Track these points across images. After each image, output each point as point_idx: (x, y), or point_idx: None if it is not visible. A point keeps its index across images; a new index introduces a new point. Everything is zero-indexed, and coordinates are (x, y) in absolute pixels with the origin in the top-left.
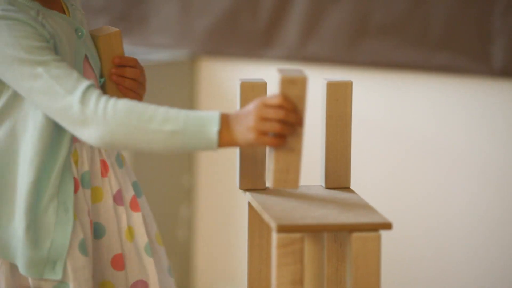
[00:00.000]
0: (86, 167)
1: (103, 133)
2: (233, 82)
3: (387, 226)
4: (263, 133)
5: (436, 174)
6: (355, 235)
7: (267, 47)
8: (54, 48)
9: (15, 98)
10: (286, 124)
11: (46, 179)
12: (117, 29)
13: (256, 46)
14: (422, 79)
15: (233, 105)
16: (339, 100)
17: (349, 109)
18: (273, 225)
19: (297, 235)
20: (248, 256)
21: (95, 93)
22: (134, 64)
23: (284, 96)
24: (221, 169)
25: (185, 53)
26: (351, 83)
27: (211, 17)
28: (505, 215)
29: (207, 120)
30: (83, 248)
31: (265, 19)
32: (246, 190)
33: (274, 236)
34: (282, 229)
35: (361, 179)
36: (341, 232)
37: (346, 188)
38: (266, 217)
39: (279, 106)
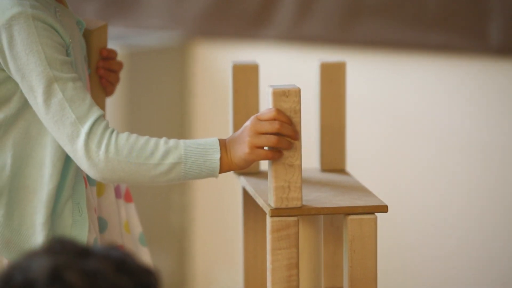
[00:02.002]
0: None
1: (104, 170)
2: (227, 63)
3: (383, 208)
4: (259, 147)
5: (433, 154)
6: (351, 218)
7: (261, 28)
8: (69, 51)
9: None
10: (282, 137)
11: (64, 182)
12: (104, 22)
13: (250, 26)
14: (418, 58)
15: (226, 86)
16: (333, 81)
17: (343, 90)
18: (267, 209)
19: (291, 219)
20: (244, 240)
21: (101, 127)
22: (116, 56)
23: (278, 108)
24: None
25: (178, 35)
26: (345, 64)
27: None
28: (502, 191)
29: (208, 148)
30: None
31: None
32: (240, 174)
33: (268, 221)
34: (276, 213)
35: (356, 161)
36: (337, 216)
37: (342, 171)
38: (260, 201)
39: (273, 119)
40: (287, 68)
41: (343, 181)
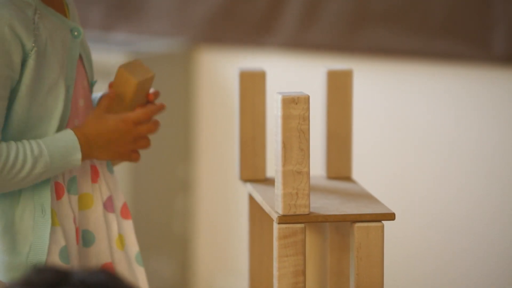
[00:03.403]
0: (73, 173)
1: None
2: (232, 70)
3: (390, 216)
4: (133, 151)
5: (438, 161)
6: (358, 225)
7: (266, 35)
8: (43, 51)
9: None
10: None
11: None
12: (152, 73)
13: (255, 33)
14: (423, 66)
15: (232, 93)
16: (339, 89)
17: (350, 98)
18: (274, 216)
19: (298, 226)
20: (249, 247)
21: None
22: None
23: (149, 110)
24: (217, 159)
25: (183, 41)
26: (352, 71)
27: (210, 4)
28: (509, 198)
29: (70, 150)
30: (64, 256)
31: (264, 6)
32: (246, 181)
33: (275, 227)
34: (283, 220)
35: (362, 169)
36: (343, 223)
37: (348, 178)
38: (267, 208)
39: (148, 119)
40: (292, 75)
41: (350, 188)
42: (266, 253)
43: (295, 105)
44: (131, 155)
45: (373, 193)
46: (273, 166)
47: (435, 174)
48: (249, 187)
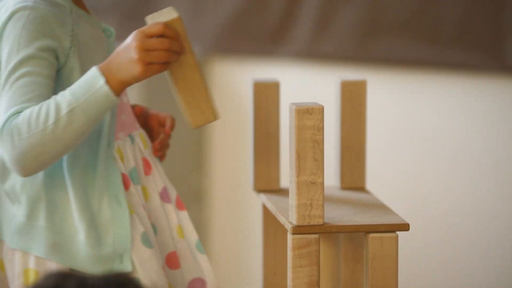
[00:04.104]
0: (132, 164)
1: (16, 158)
2: (245, 81)
3: (404, 227)
4: (149, 64)
5: (451, 172)
6: (372, 236)
7: (280, 45)
8: (82, 51)
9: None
10: (170, 52)
11: (92, 177)
12: (176, 15)
13: (268, 43)
14: (435, 76)
15: (246, 104)
16: (353, 99)
17: (363, 108)
18: (288, 226)
19: (312, 237)
20: (263, 258)
21: (10, 118)
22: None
23: (164, 23)
24: (231, 169)
25: (196, 51)
26: (366, 81)
27: (222, 15)
28: None
29: (90, 79)
30: (146, 241)
31: (277, 16)
32: (260, 191)
33: (290, 238)
34: (297, 230)
35: (376, 179)
36: (357, 233)
37: (362, 188)
38: (281, 218)
39: (161, 34)
40: (306, 85)
41: (364, 199)
42: (280, 264)
43: (310, 116)
44: (148, 70)
45: (387, 203)
46: (287, 176)
47: (449, 184)
48: (263, 198)
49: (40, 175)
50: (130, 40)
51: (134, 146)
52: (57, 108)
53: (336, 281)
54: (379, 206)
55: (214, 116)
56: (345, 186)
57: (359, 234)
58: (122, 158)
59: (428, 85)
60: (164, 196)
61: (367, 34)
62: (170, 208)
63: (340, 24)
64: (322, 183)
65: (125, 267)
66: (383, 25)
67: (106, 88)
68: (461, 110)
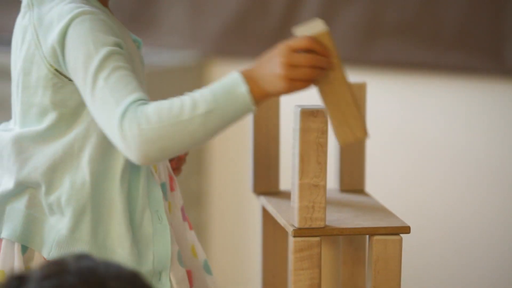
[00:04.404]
0: (163, 179)
1: (142, 144)
2: None
3: (405, 229)
4: (294, 80)
5: (450, 174)
6: (376, 238)
7: None
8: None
9: None
10: (317, 69)
11: (136, 191)
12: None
13: (268, 46)
14: (435, 79)
15: None
16: None
17: (363, 110)
18: (289, 229)
19: (314, 239)
20: (262, 260)
21: (134, 106)
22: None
23: (311, 37)
24: (230, 172)
25: (196, 54)
26: (365, 84)
27: (222, 17)
28: None
29: (232, 84)
30: (180, 259)
31: (277, 18)
32: (260, 193)
33: (291, 241)
34: (299, 233)
35: (375, 181)
36: (357, 236)
37: (361, 191)
38: (282, 221)
39: (308, 49)
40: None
41: (364, 201)
42: (279, 267)
43: (314, 118)
44: (291, 87)
45: (387, 206)
46: (287, 179)
47: (448, 186)
48: (263, 200)
49: (87, 187)
50: (276, 53)
51: (164, 161)
52: (194, 106)
53: (337, 284)
54: (380, 209)
55: (364, 134)
56: (344, 189)
57: (359, 237)
58: (156, 172)
59: (428, 87)
60: (183, 213)
61: (367, 36)
62: (186, 226)
63: (340, 27)
64: (325, 186)
65: (164, 285)
66: (383, 28)
67: (248, 97)
68: (461, 112)
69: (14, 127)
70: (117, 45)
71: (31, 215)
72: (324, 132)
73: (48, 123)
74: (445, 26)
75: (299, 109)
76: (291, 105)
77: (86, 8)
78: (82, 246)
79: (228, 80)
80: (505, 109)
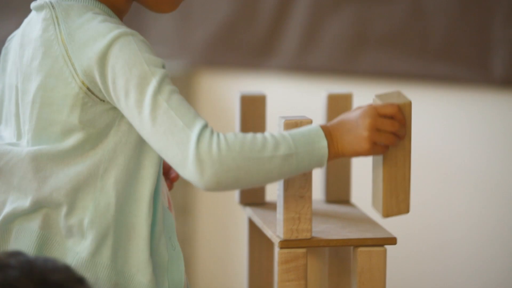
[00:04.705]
0: (166, 203)
1: (219, 171)
2: (232, 93)
3: (392, 241)
4: (376, 144)
5: (437, 184)
6: (361, 250)
7: (267, 58)
8: None
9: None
10: (397, 136)
11: (155, 217)
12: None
13: (256, 56)
14: (422, 89)
15: (232, 117)
16: (340, 112)
17: None
18: (276, 240)
19: (300, 251)
20: (248, 272)
21: (208, 130)
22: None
23: (397, 105)
24: None
25: (183, 64)
26: (352, 95)
27: (210, 28)
28: (505, 222)
29: (314, 136)
30: (188, 286)
31: (264, 29)
32: (246, 204)
33: (277, 252)
34: (285, 244)
35: (361, 192)
36: (343, 247)
37: (347, 202)
38: (268, 232)
39: (393, 117)
40: (293, 98)
41: (350, 212)
42: (265, 278)
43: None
44: (372, 150)
45: (373, 217)
46: (273, 190)
47: (434, 196)
48: (249, 211)
49: (112, 210)
50: (363, 114)
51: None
52: (276, 146)
53: None
54: (366, 220)
55: (407, 211)
56: (330, 199)
57: (345, 248)
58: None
59: (415, 98)
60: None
61: (354, 47)
62: None
63: (327, 37)
64: (310, 197)
65: None
66: (370, 38)
67: (325, 152)
68: (449, 122)
69: (19, 142)
70: (164, 65)
71: (45, 236)
72: None
73: (73, 143)
74: (432, 36)
75: (283, 120)
76: (277, 117)
77: (125, 28)
78: (101, 270)
79: (309, 131)
80: (492, 119)
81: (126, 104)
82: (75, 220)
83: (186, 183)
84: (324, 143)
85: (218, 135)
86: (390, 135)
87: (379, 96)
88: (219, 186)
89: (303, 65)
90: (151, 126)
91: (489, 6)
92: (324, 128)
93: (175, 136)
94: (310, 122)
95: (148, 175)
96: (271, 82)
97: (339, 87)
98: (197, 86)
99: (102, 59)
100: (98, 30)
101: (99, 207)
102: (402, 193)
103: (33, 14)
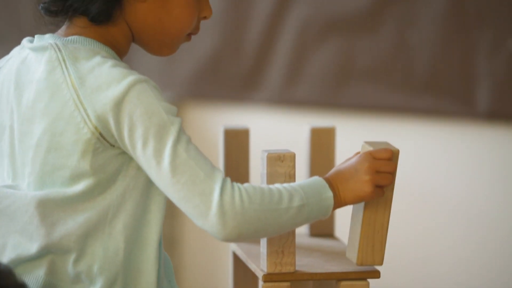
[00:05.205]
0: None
1: (241, 223)
2: (217, 126)
3: (375, 274)
4: (376, 186)
5: (421, 217)
6: (344, 283)
7: (251, 91)
8: None
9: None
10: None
11: (159, 260)
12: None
13: (240, 89)
14: (406, 122)
15: (216, 148)
16: (323, 146)
17: (332, 155)
18: (259, 274)
19: (284, 284)
20: None
21: (229, 181)
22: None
23: (390, 149)
24: None
25: (170, 97)
26: (335, 128)
27: (195, 61)
28: (489, 254)
29: (319, 187)
30: None
31: (249, 62)
32: None
33: (261, 286)
34: (269, 278)
35: (344, 226)
36: (326, 281)
37: (330, 235)
38: (252, 266)
39: (389, 159)
40: (277, 131)
41: (333, 246)
42: None
43: (281, 163)
44: (374, 192)
45: None
46: None
47: (417, 229)
48: (233, 245)
49: (121, 255)
50: (360, 161)
51: None
52: (291, 197)
53: None
54: None
55: (381, 263)
56: (314, 233)
57: (329, 282)
58: None
59: (399, 131)
60: None
61: (338, 80)
62: None
63: (311, 71)
64: (294, 231)
65: None
66: (354, 72)
67: (331, 202)
68: (432, 156)
69: (16, 184)
70: (176, 113)
71: (51, 283)
72: (292, 177)
73: (82, 188)
74: (416, 69)
75: (266, 153)
76: (260, 150)
77: (138, 74)
78: None
79: (314, 182)
80: (476, 152)
81: (143, 152)
82: (84, 267)
83: (173, 216)
84: (329, 193)
85: (238, 186)
86: (389, 175)
87: (369, 143)
88: (240, 237)
89: (287, 98)
90: (171, 177)
91: (473, 39)
92: (326, 180)
93: (197, 187)
94: (293, 155)
95: (155, 220)
96: (255, 115)
97: (323, 120)
98: (184, 119)
99: (118, 106)
100: (111, 75)
101: (108, 252)
102: (379, 243)
103: (26, 53)
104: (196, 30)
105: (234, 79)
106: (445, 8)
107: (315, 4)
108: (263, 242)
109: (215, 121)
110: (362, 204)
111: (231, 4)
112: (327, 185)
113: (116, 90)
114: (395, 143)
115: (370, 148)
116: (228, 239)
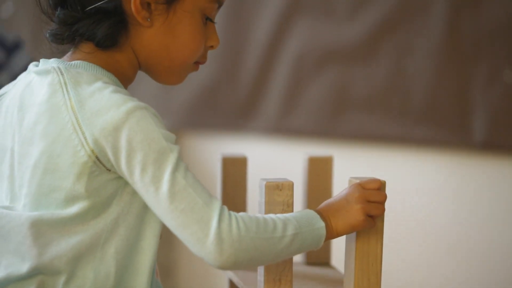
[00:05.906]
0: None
1: (238, 251)
2: (214, 155)
3: None
4: (368, 215)
5: (416, 247)
6: None
7: (248, 120)
8: None
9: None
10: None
11: (151, 283)
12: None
13: (238, 118)
14: (403, 152)
15: (214, 178)
16: (320, 175)
17: (330, 184)
18: None
19: None
20: None
21: (226, 209)
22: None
23: (382, 182)
24: None
25: (167, 125)
26: (332, 158)
27: (192, 90)
28: (485, 284)
29: (311, 218)
30: None
31: (246, 91)
32: None
33: None
34: None
35: (340, 254)
36: None
37: (327, 264)
38: None
39: (378, 189)
40: (274, 160)
41: (330, 275)
42: None
43: (280, 192)
44: (366, 221)
45: None
46: None
47: (413, 259)
48: (230, 272)
49: (111, 280)
50: (350, 192)
51: None
52: (285, 226)
53: None
54: None
55: None
56: (310, 262)
57: None
58: None
59: (396, 161)
60: None
61: (335, 110)
62: None
63: (308, 100)
64: (291, 260)
65: None
66: (351, 101)
67: (323, 232)
68: (428, 186)
69: (12, 205)
70: (175, 140)
71: None
72: (290, 205)
73: (77, 211)
74: (413, 99)
75: (264, 182)
76: (258, 178)
77: (138, 101)
78: None
79: (306, 214)
80: (472, 182)
81: (141, 178)
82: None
83: (169, 244)
84: (321, 224)
85: (235, 215)
86: (380, 205)
87: (355, 178)
88: (235, 265)
89: (284, 127)
90: (169, 203)
91: (469, 69)
92: (317, 212)
93: (195, 214)
94: (291, 184)
95: (149, 247)
96: (253, 144)
97: (320, 149)
98: (180, 147)
99: (117, 131)
100: (111, 100)
101: (99, 276)
102: (374, 276)
103: (32, 77)
104: (203, 59)
105: (231, 108)
106: (441, 39)
107: (311, 34)
108: (261, 270)
109: (212, 150)
110: (354, 236)
111: (229, 33)
112: (318, 216)
113: (115, 115)
114: (392, 172)
115: (354, 180)
116: (224, 267)
